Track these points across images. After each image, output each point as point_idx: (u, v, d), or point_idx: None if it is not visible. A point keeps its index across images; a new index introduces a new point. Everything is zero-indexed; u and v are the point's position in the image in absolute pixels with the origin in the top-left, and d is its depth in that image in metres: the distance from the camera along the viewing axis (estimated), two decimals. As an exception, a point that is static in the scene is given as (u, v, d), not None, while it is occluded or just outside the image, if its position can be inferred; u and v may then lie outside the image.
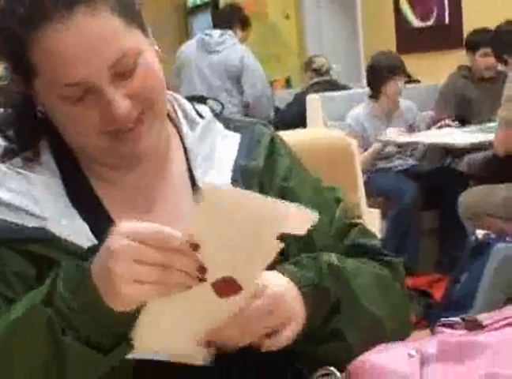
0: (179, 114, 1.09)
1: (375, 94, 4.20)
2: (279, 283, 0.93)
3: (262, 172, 1.06)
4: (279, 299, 0.91)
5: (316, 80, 5.23)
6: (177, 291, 0.82)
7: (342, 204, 1.13)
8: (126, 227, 0.82)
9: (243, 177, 1.04)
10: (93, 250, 0.89)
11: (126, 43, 0.93)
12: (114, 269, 0.81)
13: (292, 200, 1.06)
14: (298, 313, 0.93)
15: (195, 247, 0.80)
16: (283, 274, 0.95)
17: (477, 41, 4.36)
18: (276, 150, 1.10)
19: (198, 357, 0.89)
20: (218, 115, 1.11)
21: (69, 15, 0.90)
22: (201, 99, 1.13)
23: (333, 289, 0.98)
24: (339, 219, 1.11)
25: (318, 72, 5.25)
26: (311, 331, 0.95)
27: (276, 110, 5.15)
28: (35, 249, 0.94)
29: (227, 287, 0.83)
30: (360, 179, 1.58)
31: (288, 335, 0.91)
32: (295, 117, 4.81)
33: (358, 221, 1.14)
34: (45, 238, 0.94)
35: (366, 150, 4.08)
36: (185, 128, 1.07)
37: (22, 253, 0.95)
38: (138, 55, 0.94)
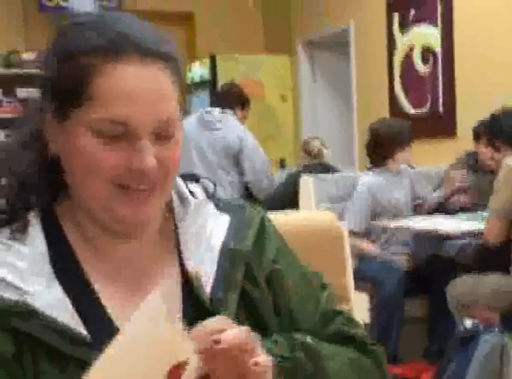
0: (173, 192, 1.09)
1: (381, 161, 4.13)
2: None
3: (250, 254, 1.06)
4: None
5: (309, 161, 5.28)
6: None
7: (327, 291, 1.14)
8: None
9: (231, 258, 1.04)
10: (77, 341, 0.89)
11: (175, 111, 0.98)
12: None
13: (280, 283, 1.08)
14: None
15: None
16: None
17: (479, 130, 4.40)
18: (266, 233, 1.10)
19: None
20: (210, 195, 1.12)
21: (144, 63, 0.94)
22: (195, 177, 1.14)
23: (306, 365, 0.98)
24: (324, 305, 1.12)
25: (311, 154, 5.31)
26: None
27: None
28: (15, 324, 0.92)
29: None
30: (349, 262, 1.58)
31: None
32: (287, 197, 4.83)
33: (342, 309, 1.15)
34: (25, 312, 0.92)
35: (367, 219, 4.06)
36: (177, 207, 1.08)
37: (0, 327, 0.92)
38: (177, 128, 0.98)
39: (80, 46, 0.95)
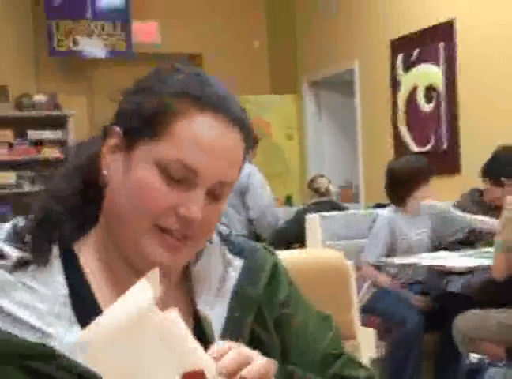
0: None
1: (400, 200, 4.10)
2: None
3: (261, 298, 1.08)
4: None
5: (316, 199, 5.33)
6: None
7: (332, 333, 1.15)
8: None
9: (242, 301, 1.06)
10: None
11: (235, 178, 1.03)
12: None
13: (286, 326, 1.10)
14: None
15: None
16: None
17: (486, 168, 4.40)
18: (278, 277, 1.12)
19: None
20: (224, 239, 1.14)
21: (227, 124, 0.99)
22: None
23: None
24: (325, 348, 1.12)
25: (318, 192, 5.36)
26: None
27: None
28: (36, 366, 0.90)
29: None
30: (355, 299, 1.62)
31: None
32: (295, 233, 4.87)
33: (348, 346, 1.15)
34: (46, 354, 0.90)
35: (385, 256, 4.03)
36: None
37: (22, 369, 0.89)
38: (229, 190, 1.03)
39: (172, 87, 0.99)
